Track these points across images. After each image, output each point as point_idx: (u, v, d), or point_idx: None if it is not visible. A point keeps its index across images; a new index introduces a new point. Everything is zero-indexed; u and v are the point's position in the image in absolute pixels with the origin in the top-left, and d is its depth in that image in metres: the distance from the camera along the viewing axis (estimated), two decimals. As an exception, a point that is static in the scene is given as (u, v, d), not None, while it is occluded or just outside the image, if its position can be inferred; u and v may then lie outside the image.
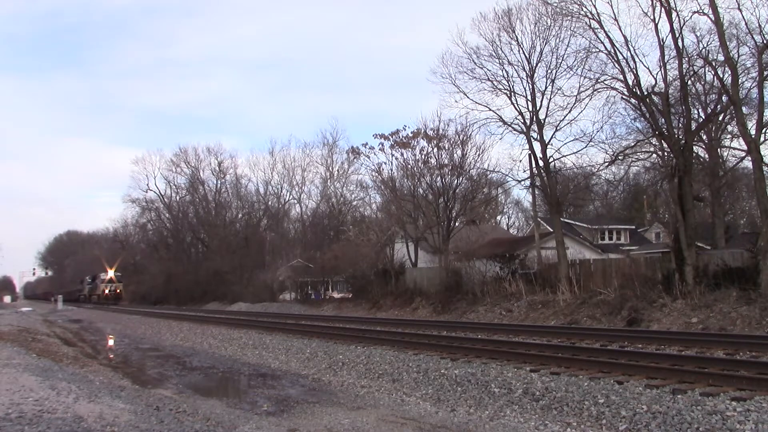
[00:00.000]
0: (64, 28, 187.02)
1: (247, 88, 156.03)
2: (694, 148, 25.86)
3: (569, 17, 24.28)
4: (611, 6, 25.32)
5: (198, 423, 7.92)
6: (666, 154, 23.65)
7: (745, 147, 21.84)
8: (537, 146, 28.01)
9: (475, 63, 28.31)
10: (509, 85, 28.12)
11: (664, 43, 22.22)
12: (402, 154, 40.61)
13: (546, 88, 27.48)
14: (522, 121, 28.24)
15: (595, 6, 23.00)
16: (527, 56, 27.52)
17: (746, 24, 20.58)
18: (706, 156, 30.50)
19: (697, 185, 29.65)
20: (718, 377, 8.94)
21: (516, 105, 28.28)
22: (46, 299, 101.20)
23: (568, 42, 26.01)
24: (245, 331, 22.67)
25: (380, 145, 41.70)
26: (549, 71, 27.20)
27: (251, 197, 70.45)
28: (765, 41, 20.07)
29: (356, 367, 13.02)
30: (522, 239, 44.36)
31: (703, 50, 21.87)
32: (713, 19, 20.43)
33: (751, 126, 21.28)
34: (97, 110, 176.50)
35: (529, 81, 27.73)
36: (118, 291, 72.09)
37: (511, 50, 27.67)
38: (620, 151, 24.33)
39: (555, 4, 24.73)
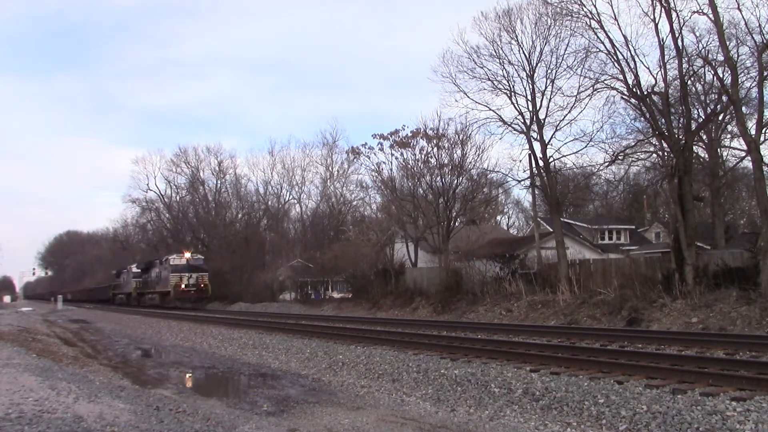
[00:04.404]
0: (66, 29, 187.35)
1: (247, 89, 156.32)
2: (694, 148, 25.90)
3: (569, 17, 24.30)
4: (611, 6, 25.37)
5: (198, 423, 7.92)
6: (666, 154, 23.66)
7: (745, 147, 21.87)
8: (537, 146, 28.06)
9: (475, 62, 28.36)
10: (509, 85, 28.17)
11: (664, 43, 22.26)
12: (402, 154, 40.66)
13: (546, 88, 27.54)
14: (522, 120, 28.28)
15: (595, 6, 23.05)
16: (527, 56, 27.57)
17: (746, 24, 20.62)
18: (706, 156, 30.51)
19: (697, 185, 29.68)
20: (718, 377, 8.94)
21: (516, 105, 28.33)
22: (48, 299, 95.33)
23: (568, 42, 26.06)
24: (245, 331, 22.66)
25: (379, 145, 41.77)
26: (549, 71, 27.25)
27: (251, 197, 70.41)
28: (765, 41, 20.06)
29: (356, 367, 13.01)
30: (522, 239, 44.36)
31: (703, 50, 21.91)
32: (713, 19, 20.44)
33: (751, 126, 21.29)
34: (98, 110, 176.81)
35: (529, 81, 27.76)
36: (203, 285, 45.02)
37: (512, 50, 27.72)
38: (620, 151, 24.38)
39: (555, 4, 24.78)
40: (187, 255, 46.19)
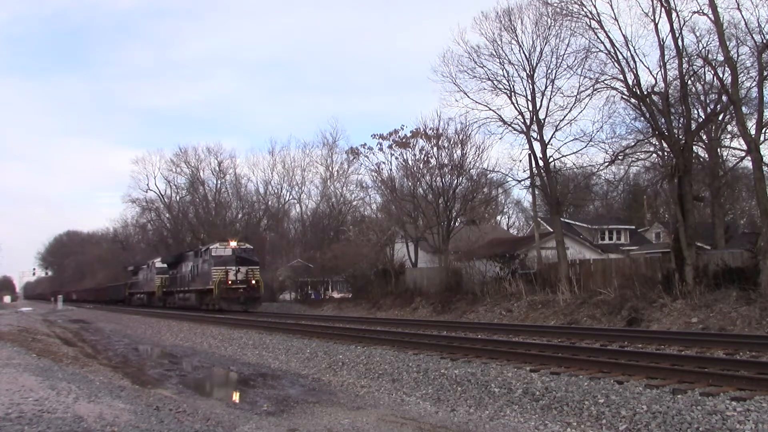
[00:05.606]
0: (67, 30, 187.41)
1: (248, 89, 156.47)
2: (694, 148, 25.88)
3: (569, 17, 24.33)
4: (611, 6, 25.35)
5: (198, 423, 7.92)
6: (666, 154, 23.67)
7: (745, 147, 21.86)
8: (537, 146, 28.06)
9: (475, 62, 28.36)
10: (509, 85, 28.17)
11: (664, 43, 22.26)
12: (401, 154, 40.67)
13: (546, 87, 27.54)
14: (522, 120, 28.28)
15: (595, 6, 23.07)
16: (527, 56, 27.57)
17: (746, 24, 20.64)
18: (706, 156, 30.49)
19: (697, 185, 29.65)
20: (718, 377, 8.94)
21: (516, 105, 28.33)
22: (48, 299, 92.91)
23: (568, 42, 26.09)
24: (245, 331, 22.65)
25: (379, 145, 41.77)
26: (549, 71, 27.25)
27: (251, 197, 70.41)
28: (765, 41, 20.07)
29: (356, 367, 13.01)
30: (522, 239, 44.35)
31: (703, 50, 21.92)
32: (713, 19, 20.45)
33: (751, 126, 21.30)
34: (99, 111, 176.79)
35: (530, 81, 27.76)
36: (255, 282, 35.29)
37: (512, 50, 27.72)
38: (620, 151, 24.37)
39: (555, 4, 24.80)
40: (233, 244, 36.70)
